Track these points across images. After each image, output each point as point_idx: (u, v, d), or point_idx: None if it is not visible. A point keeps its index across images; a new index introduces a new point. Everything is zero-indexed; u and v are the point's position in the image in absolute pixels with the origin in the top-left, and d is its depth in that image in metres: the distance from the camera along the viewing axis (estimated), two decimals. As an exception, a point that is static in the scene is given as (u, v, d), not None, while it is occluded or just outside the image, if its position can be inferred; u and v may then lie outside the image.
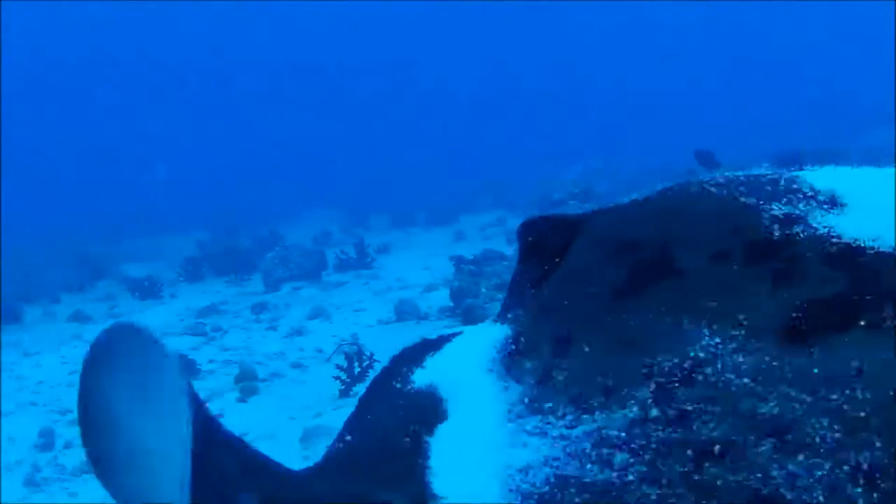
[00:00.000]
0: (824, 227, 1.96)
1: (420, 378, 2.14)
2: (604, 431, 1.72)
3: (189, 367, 12.18)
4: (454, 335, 2.33)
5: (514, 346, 2.05)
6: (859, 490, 1.48)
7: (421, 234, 24.10)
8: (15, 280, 21.06)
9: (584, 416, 1.77)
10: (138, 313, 17.25)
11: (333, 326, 14.19)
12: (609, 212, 2.23)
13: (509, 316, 2.21)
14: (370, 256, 18.77)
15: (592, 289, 2.04)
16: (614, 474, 1.61)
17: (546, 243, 2.24)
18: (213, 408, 10.95)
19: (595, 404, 1.79)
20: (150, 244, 26.26)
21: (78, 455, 9.48)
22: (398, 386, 2.16)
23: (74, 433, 10.44)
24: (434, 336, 2.42)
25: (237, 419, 9.78)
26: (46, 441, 10.17)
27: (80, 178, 42.32)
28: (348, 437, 2.13)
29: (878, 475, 1.48)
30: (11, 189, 36.32)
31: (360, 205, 29.46)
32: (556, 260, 2.20)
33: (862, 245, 1.90)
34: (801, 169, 2.24)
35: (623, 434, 1.69)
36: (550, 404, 1.84)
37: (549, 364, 1.94)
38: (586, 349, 1.92)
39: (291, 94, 59.88)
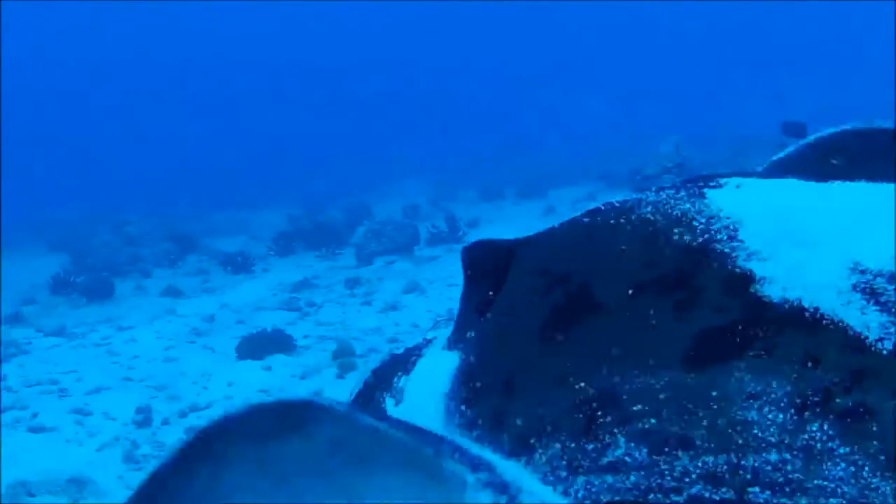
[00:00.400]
0: (723, 253, 2.06)
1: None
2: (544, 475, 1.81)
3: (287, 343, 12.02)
4: (419, 356, 2.48)
5: (465, 386, 2.18)
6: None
7: (510, 208, 23.76)
8: (104, 255, 21.11)
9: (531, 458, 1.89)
10: (230, 288, 17.14)
11: (428, 301, 13.95)
12: (538, 241, 2.33)
13: (460, 345, 2.32)
14: (461, 230, 18.48)
15: (526, 323, 2.16)
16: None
17: (487, 268, 2.36)
18: (312, 384, 10.74)
19: (538, 446, 1.90)
20: (234, 219, 26.25)
21: (176, 432, 9.35)
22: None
23: (171, 409, 10.41)
24: (402, 351, 2.63)
25: (337, 396, 9.50)
26: (144, 417, 10.01)
27: (153, 155, 42.38)
28: None
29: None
30: (85, 165, 36.74)
31: (446, 179, 29.22)
32: (497, 285, 2.32)
33: (754, 272, 2.00)
34: (712, 183, 2.31)
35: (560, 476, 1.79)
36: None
37: (496, 409, 2.07)
38: (525, 391, 2.05)
39: (373, 67, 59.71)
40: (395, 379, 2.49)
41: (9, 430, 9.76)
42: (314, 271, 17.40)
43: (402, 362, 2.52)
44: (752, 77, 45.81)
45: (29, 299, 18.04)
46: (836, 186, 2.25)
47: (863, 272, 1.97)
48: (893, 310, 1.88)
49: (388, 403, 2.43)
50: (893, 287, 1.93)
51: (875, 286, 1.94)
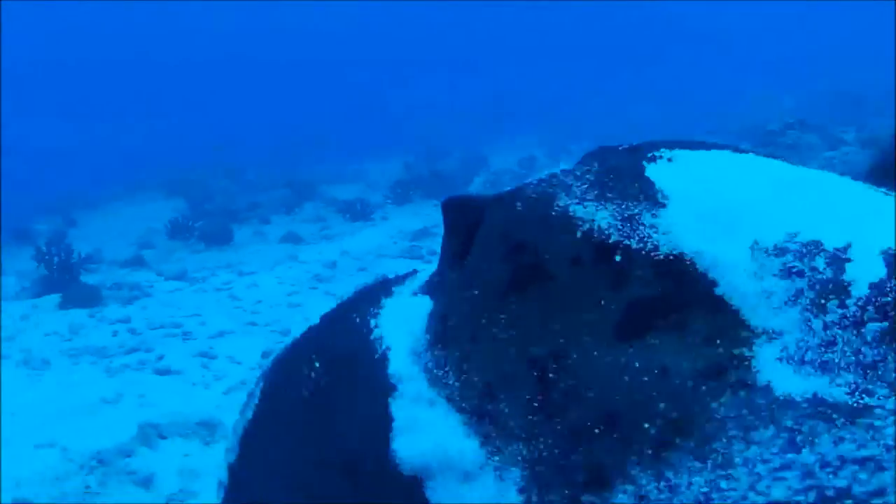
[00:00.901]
0: (651, 228, 2.22)
1: (367, 328, 2.57)
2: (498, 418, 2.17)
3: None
4: (401, 285, 2.81)
5: (436, 330, 2.40)
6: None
7: (625, 161, 23.22)
8: (221, 202, 21.12)
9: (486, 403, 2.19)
10: (349, 235, 16.97)
11: (545, 247, 13.56)
12: (507, 201, 2.51)
13: (438, 289, 2.57)
14: (578, 181, 18.00)
15: (488, 283, 2.36)
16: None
17: (461, 223, 2.58)
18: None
19: (497, 391, 2.18)
20: (350, 169, 26.17)
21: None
22: (356, 319, 2.63)
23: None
24: (393, 277, 2.97)
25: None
26: (270, 362, 9.80)
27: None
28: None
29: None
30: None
31: (559, 131, 28.81)
32: (470, 239, 2.53)
33: (673, 249, 2.16)
34: (649, 155, 2.47)
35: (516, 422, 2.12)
36: (458, 391, 2.24)
37: (462, 356, 2.30)
38: (486, 344, 2.27)
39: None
40: (381, 301, 2.72)
41: (136, 372, 9.66)
42: (433, 220, 17.10)
43: (386, 289, 2.80)
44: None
45: (146, 243, 18.10)
46: (768, 162, 2.44)
47: (776, 250, 2.11)
48: (803, 286, 2.04)
49: (370, 322, 2.61)
50: (805, 266, 2.06)
51: (788, 264, 2.08)
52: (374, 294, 2.79)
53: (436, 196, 18.87)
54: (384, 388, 2.33)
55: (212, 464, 7.59)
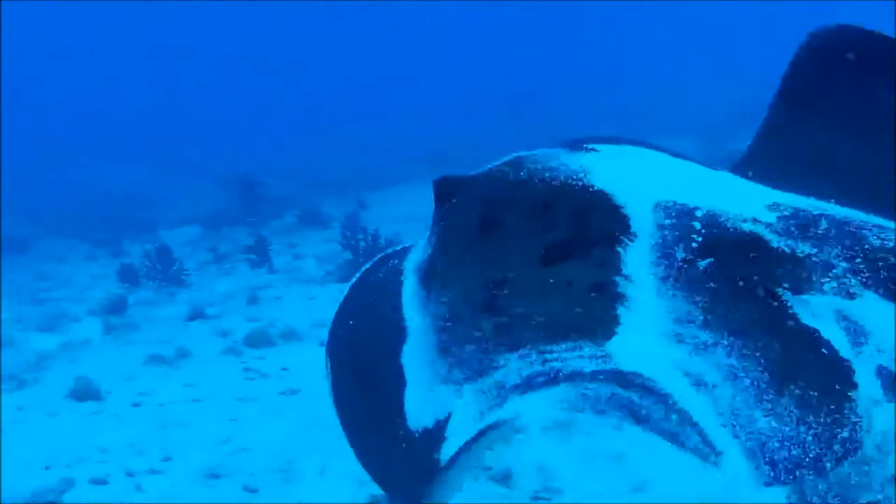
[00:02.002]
0: (573, 191, 3.34)
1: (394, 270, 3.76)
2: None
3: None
4: (412, 247, 4.11)
5: (425, 268, 3.50)
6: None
7: None
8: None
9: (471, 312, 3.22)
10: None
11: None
12: (479, 178, 3.59)
13: (430, 241, 3.70)
14: None
15: (459, 233, 3.47)
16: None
17: (444, 193, 3.62)
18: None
19: (459, 302, 3.24)
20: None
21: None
22: (381, 276, 3.85)
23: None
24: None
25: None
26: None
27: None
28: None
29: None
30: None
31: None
32: (452, 204, 3.59)
33: (588, 205, 3.28)
34: (583, 146, 3.65)
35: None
36: (446, 308, 3.26)
37: (441, 284, 3.35)
38: (458, 273, 3.33)
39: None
40: (402, 255, 3.95)
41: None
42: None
43: (407, 249, 4.07)
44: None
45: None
46: (656, 155, 3.63)
47: (660, 205, 3.18)
48: (683, 233, 3.08)
49: (395, 263, 3.74)
50: (679, 222, 3.11)
51: (669, 210, 3.16)
52: (394, 255, 4.10)
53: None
54: (398, 304, 3.44)
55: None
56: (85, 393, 9.80)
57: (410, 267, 3.62)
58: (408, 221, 18.79)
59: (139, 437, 8.55)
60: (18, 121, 43.07)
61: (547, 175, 3.41)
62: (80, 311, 14.86)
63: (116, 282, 17.30)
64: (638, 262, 3.00)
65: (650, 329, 2.71)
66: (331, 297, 13.09)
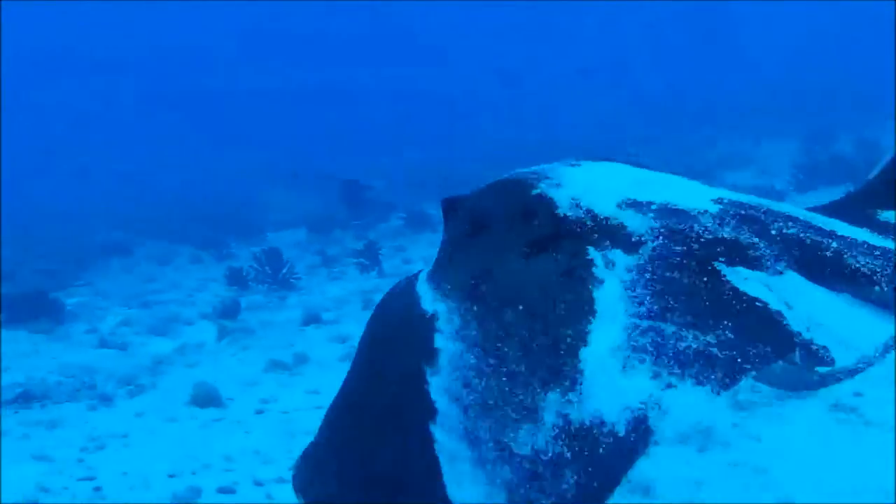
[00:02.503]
0: (550, 197, 3.84)
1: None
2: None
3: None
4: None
5: (437, 268, 3.94)
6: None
7: None
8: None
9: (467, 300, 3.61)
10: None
11: None
12: (470, 197, 4.17)
13: (441, 248, 4.12)
14: None
15: (457, 236, 4.03)
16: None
17: (450, 210, 4.19)
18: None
19: (452, 289, 3.69)
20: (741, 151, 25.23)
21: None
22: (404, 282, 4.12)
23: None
24: None
25: None
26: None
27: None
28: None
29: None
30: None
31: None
32: (453, 216, 4.16)
33: (563, 207, 3.78)
34: (570, 163, 4.18)
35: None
36: (452, 301, 3.63)
37: (446, 272, 3.84)
38: (458, 265, 3.84)
39: None
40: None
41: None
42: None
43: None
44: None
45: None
46: (627, 167, 4.19)
47: (630, 205, 3.73)
48: (655, 221, 3.62)
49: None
50: (649, 212, 3.68)
51: (644, 208, 3.71)
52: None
53: (839, 183, 17.31)
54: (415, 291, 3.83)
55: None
56: (206, 399, 9.53)
57: (422, 274, 4.03)
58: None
59: (265, 446, 8.32)
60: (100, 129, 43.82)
61: (528, 185, 3.93)
62: (191, 314, 14.63)
63: (224, 285, 17.08)
64: (607, 252, 3.54)
65: (612, 298, 3.34)
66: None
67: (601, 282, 3.42)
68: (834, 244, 3.44)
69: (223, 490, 7.47)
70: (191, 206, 29.69)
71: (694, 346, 3.05)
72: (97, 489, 7.71)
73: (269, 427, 8.84)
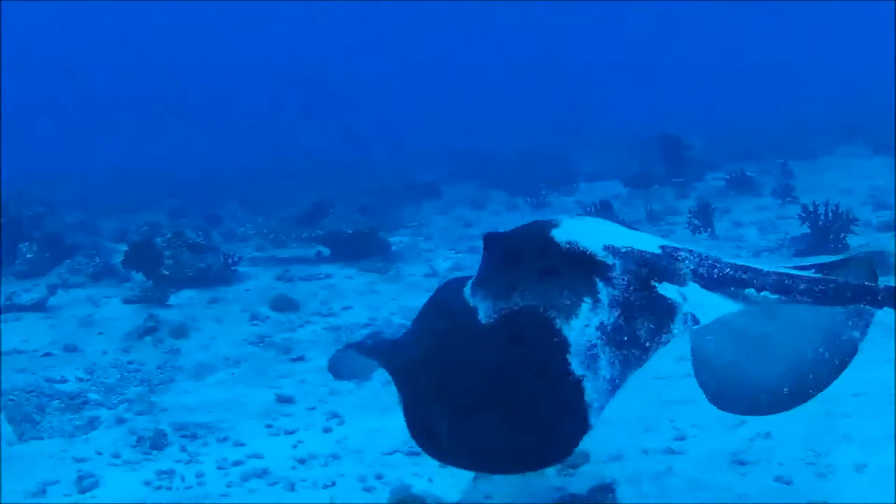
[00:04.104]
0: (558, 241, 5.10)
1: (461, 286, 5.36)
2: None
3: None
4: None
5: (476, 285, 5.12)
6: None
7: None
8: None
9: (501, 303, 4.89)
10: None
11: None
12: (506, 234, 5.40)
13: (480, 270, 5.30)
14: None
15: (494, 267, 5.14)
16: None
17: (490, 242, 5.36)
18: None
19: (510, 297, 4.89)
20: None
21: None
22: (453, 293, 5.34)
23: None
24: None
25: None
26: None
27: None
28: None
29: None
30: None
31: None
32: (492, 247, 5.35)
33: (563, 245, 5.07)
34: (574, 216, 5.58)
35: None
36: (488, 304, 4.92)
37: (482, 293, 5.03)
38: (488, 284, 5.01)
39: None
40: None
41: None
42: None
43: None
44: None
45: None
46: (607, 223, 5.55)
47: (608, 247, 5.06)
48: (622, 259, 4.99)
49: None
50: (619, 253, 5.03)
51: (609, 248, 5.05)
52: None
53: None
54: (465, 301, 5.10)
55: None
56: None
57: (469, 283, 5.34)
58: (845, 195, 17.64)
59: (645, 413, 8.11)
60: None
61: (544, 232, 5.23)
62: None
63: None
64: (593, 275, 4.94)
65: (593, 304, 4.81)
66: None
67: (588, 293, 4.92)
68: (716, 267, 5.15)
69: (612, 458, 7.32)
70: (498, 154, 29.96)
71: (635, 326, 4.75)
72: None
73: (644, 393, 8.60)
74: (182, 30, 72.52)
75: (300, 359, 10.52)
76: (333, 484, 7.09)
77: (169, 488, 7.16)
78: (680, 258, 5.21)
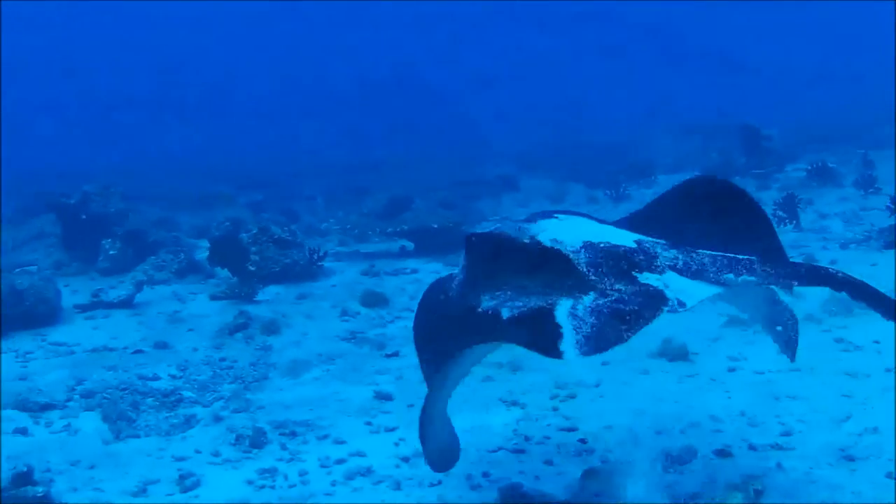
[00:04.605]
0: (538, 239, 5.50)
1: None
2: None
3: None
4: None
5: (456, 285, 5.85)
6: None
7: None
8: None
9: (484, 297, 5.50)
10: None
11: None
12: (484, 234, 5.77)
13: (462, 269, 5.92)
14: None
15: (473, 268, 5.73)
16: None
17: (470, 241, 5.83)
18: None
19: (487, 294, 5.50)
20: None
21: None
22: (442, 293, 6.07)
23: None
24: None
25: None
26: None
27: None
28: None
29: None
30: None
31: None
32: (473, 246, 5.83)
33: (545, 244, 5.46)
34: (553, 214, 5.94)
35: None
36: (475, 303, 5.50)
37: (465, 293, 5.69)
38: (468, 283, 5.70)
39: None
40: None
41: None
42: None
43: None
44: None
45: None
46: (584, 219, 5.97)
47: (588, 243, 5.43)
48: (595, 253, 5.38)
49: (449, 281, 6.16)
50: (592, 248, 5.42)
51: (588, 244, 5.43)
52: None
53: None
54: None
55: None
56: (674, 353, 9.14)
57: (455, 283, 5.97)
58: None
59: (750, 408, 7.86)
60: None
61: (524, 232, 5.62)
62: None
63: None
64: (572, 266, 5.37)
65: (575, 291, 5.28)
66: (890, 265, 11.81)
67: (569, 289, 5.32)
68: (693, 258, 5.60)
69: (719, 453, 7.06)
70: (572, 145, 29.81)
71: (619, 306, 5.10)
72: (582, 441, 7.50)
73: (747, 387, 8.37)
74: (261, 19, 72.97)
75: (395, 354, 10.36)
76: (440, 483, 6.87)
77: (272, 487, 6.99)
78: (656, 252, 5.66)
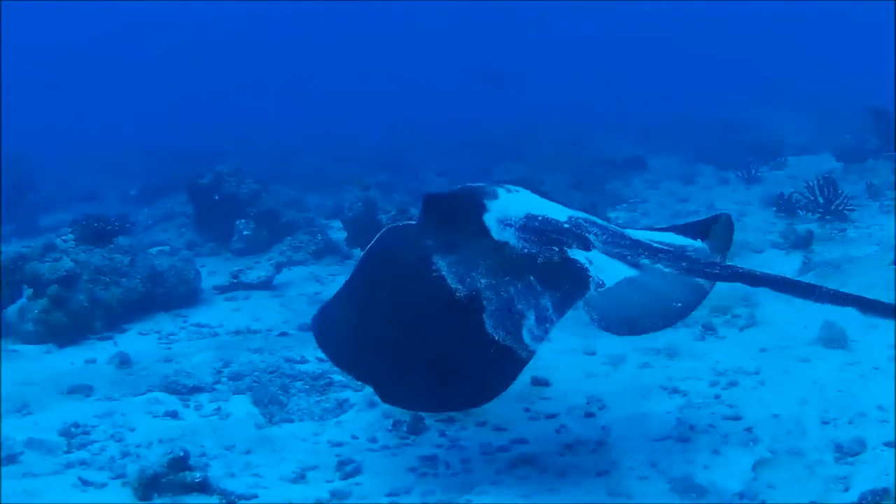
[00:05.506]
0: (490, 208, 6.43)
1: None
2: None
3: None
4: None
5: (420, 236, 6.45)
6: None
7: None
8: None
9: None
10: None
11: None
12: (443, 195, 6.65)
13: (419, 223, 6.77)
14: None
15: (436, 221, 6.49)
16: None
17: (428, 200, 6.62)
18: None
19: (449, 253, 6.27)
20: None
21: None
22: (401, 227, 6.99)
23: None
24: None
25: None
26: None
27: None
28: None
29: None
30: None
31: None
32: (431, 205, 6.62)
33: (492, 214, 6.36)
34: (502, 184, 6.70)
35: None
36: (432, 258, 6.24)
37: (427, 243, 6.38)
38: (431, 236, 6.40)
39: None
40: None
41: None
42: None
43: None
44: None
45: None
46: (530, 194, 6.67)
47: (529, 215, 6.33)
48: (539, 224, 6.28)
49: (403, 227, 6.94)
50: (537, 219, 6.31)
51: (529, 216, 6.32)
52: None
53: None
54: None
55: None
56: (831, 340, 8.80)
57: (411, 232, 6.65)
58: None
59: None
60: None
61: (476, 196, 6.46)
62: (758, 241, 13.86)
63: (761, 208, 16.49)
64: (512, 234, 6.20)
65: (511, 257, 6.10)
66: None
67: (508, 250, 6.10)
68: (618, 238, 6.36)
69: (889, 444, 6.74)
70: (695, 124, 29.41)
71: (550, 285, 5.90)
72: (748, 430, 7.24)
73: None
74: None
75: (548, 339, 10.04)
76: (607, 472, 6.66)
77: (435, 475, 6.84)
78: (586, 229, 6.40)
